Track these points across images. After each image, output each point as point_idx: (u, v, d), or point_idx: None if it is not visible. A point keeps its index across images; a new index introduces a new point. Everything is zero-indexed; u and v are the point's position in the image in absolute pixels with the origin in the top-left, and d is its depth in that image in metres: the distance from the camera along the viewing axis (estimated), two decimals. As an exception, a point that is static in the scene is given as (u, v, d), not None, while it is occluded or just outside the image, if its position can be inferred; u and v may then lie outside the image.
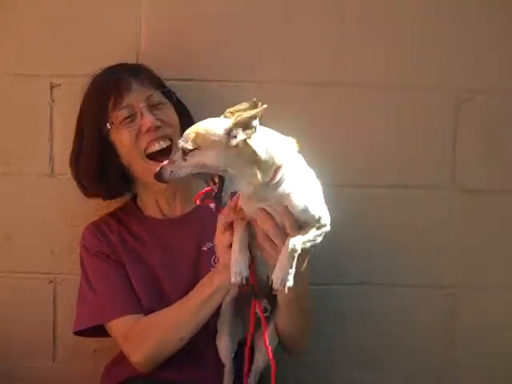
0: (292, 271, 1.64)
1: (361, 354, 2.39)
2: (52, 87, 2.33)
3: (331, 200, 2.27)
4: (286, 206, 1.65)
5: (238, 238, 1.72)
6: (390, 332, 2.39)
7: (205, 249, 2.09)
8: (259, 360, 1.92)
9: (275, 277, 1.64)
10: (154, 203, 2.17)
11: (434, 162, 2.36)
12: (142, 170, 2.05)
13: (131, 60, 2.26)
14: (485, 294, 2.39)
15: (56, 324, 2.37)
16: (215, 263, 2.04)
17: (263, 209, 1.68)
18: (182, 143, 1.61)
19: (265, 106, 1.58)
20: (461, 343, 2.41)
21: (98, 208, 2.32)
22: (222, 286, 1.85)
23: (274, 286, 1.64)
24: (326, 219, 1.72)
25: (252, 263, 1.75)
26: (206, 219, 2.08)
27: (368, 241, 2.35)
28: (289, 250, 1.64)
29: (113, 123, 2.02)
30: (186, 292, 1.99)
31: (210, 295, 1.87)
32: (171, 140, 2.04)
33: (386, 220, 2.37)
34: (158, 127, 2.01)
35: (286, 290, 1.64)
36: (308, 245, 1.68)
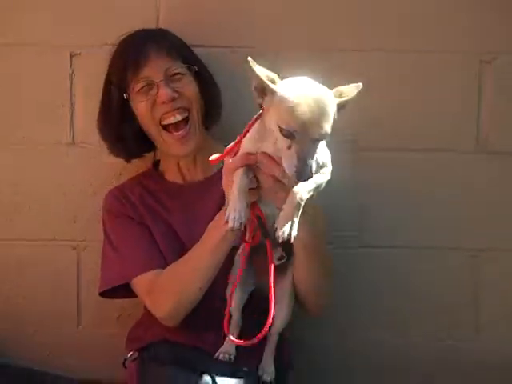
0: (296, 220, 1.62)
1: (386, 316, 2.40)
2: (72, 56, 2.33)
3: (355, 163, 2.32)
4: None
5: (237, 183, 1.69)
6: (414, 293, 2.39)
7: None
8: (278, 319, 1.87)
9: (279, 226, 1.61)
10: (176, 168, 2.17)
11: (458, 125, 2.34)
12: (159, 138, 2.07)
13: (151, 27, 2.22)
14: (510, 256, 2.39)
15: (80, 290, 2.39)
16: None
17: (266, 153, 1.66)
18: (321, 132, 1.53)
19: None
20: (484, 305, 2.41)
21: (118, 177, 2.34)
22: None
23: (277, 235, 1.61)
24: (329, 166, 1.71)
25: (255, 207, 1.74)
26: None
27: (392, 204, 2.34)
28: (295, 199, 1.61)
29: (130, 94, 2.04)
30: None
31: (221, 238, 1.85)
32: (189, 111, 2.05)
33: (412, 184, 2.35)
34: (173, 99, 2.01)
35: (292, 239, 1.61)
36: (312, 192, 1.65)
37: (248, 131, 1.72)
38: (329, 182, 1.71)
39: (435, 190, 2.36)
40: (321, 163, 1.68)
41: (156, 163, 2.27)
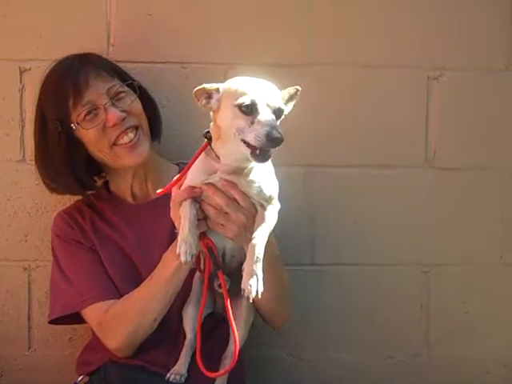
0: (261, 275, 1.64)
1: (339, 333, 2.40)
2: (22, 72, 2.29)
3: (305, 180, 2.33)
4: (232, 181, 1.68)
5: (185, 216, 1.70)
6: (366, 310, 2.39)
7: (177, 231, 2.08)
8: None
9: (246, 287, 1.62)
10: (128, 188, 2.14)
11: (406, 141, 2.37)
12: (112, 157, 2.03)
13: (101, 42, 2.23)
14: (459, 270, 2.41)
15: (31, 311, 2.34)
16: None
17: (210, 183, 1.69)
18: (278, 104, 1.61)
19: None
20: (433, 321, 2.42)
21: (71, 195, 2.28)
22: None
23: (246, 295, 1.62)
24: (276, 197, 1.73)
25: (206, 238, 1.76)
26: None
27: (342, 221, 2.36)
28: (254, 255, 1.63)
29: (77, 123, 1.98)
30: None
31: (174, 270, 1.85)
32: (137, 128, 2.02)
33: (360, 200, 2.37)
34: (123, 119, 1.98)
35: (260, 296, 1.63)
36: (268, 235, 1.68)
37: (193, 163, 1.73)
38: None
39: (383, 206, 2.38)
40: (268, 195, 1.71)
41: (106, 183, 2.23)
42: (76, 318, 2.05)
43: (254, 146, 1.56)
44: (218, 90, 1.64)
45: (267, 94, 1.59)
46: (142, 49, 2.22)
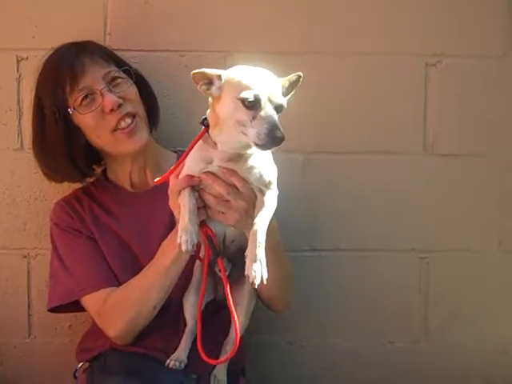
0: (264, 262, 1.63)
1: (338, 320, 2.41)
2: (19, 61, 2.28)
3: (303, 167, 2.33)
4: (232, 169, 1.68)
5: (185, 205, 1.71)
6: (365, 296, 2.40)
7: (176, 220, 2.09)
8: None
9: (250, 273, 1.61)
10: (126, 175, 2.14)
11: (405, 128, 2.36)
12: (111, 143, 2.03)
13: (98, 31, 2.23)
14: (458, 257, 2.42)
15: (31, 299, 2.35)
16: None
17: (209, 172, 1.69)
18: (280, 100, 1.59)
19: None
20: (434, 306, 2.43)
21: (69, 182, 2.27)
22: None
23: (250, 280, 1.61)
24: (275, 182, 1.73)
25: (205, 226, 1.76)
26: None
27: (340, 207, 2.36)
28: (256, 241, 1.63)
29: (74, 108, 1.98)
30: None
31: (174, 259, 1.86)
32: (134, 116, 2.02)
33: (358, 186, 2.37)
34: (120, 105, 1.98)
35: (265, 282, 1.63)
36: (269, 220, 1.68)
37: (190, 150, 1.73)
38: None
39: (382, 192, 2.38)
40: (267, 181, 1.71)
41: (105, 171, 2.23)
42: (75, 306, 2.05)
43: (254, 142, 1.56)
44: (219, 77, 1.61)
45: (270, 89, 1.57)
46: (140, 37, 2.21)
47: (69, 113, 1.99)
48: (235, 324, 1.76)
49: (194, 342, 1.89)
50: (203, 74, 1.61)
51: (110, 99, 1.97)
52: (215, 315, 1.97)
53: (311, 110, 2.29)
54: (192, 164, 1.72)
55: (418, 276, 2.42)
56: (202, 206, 1.75)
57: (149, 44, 2.25)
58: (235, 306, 1.76)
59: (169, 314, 1.97)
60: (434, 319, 2.44)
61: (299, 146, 2.32)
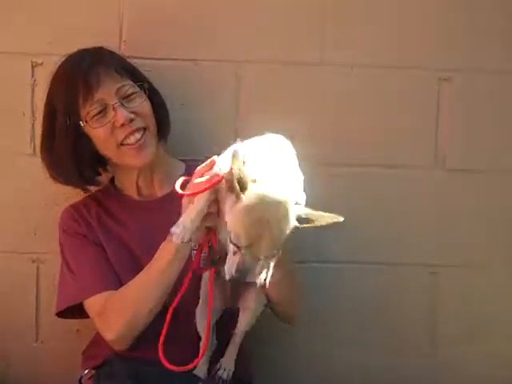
0: (272, 266, 1.62)
1: (343, 332, 2.40)
2: (33, 66, 2.30)
3: (315, 179, 2.33)
4: None
5: (197, 207, 1.71)
6: (374, 309, 2.40)
7: None
8: (242, 322, 1.94)
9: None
10: (133, 184, 2.15)
11: (417, 142, 2.37)
12: (118, 156, 2.04)
13: (114, 38, 2.24)
14: (469, 272, 2.41)
15: (39, 304, 2.36)
16: (195, 245, 1.96)
17: None
18: (263, 254, 1.56)
19: None
20: (443, 320, 2.43)
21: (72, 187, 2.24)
22: (180, 247, 1.84)
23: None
24: (302, 198, 1.72)
25: (211, 232, 1.77)
26: None
27: (351, 220, 2.35)
28: None
29: (86, 121, 1.99)
30: None
31: (171, 257, 1.86)
32: (144, 130, 2.02)
33: (370, 200, 2.37)
34: (131, 120, 1.99)
35: (267, 285, 1.62)
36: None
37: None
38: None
39: (394, 205, 2.38)
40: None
41: (112, 179, 2.24)
42: (83, 313, 2.06)
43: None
44: (238, 198, 1.56)
45: (259, 244, 1.54)
46: (154, 45, 2.23)
47: (80, 124, 2.00)
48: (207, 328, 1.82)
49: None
50: (232, 180, 1.57)
51: (122, 114, 1.97)
52: (230, 322, 1.98)
53: (322, 123, 2.31)
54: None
55: (428, 290, 2.41)
56: (213, 212, 1.73)
57: (163, 52, 2.26)
58: (243, 310, 1.81)
59: (176, 323, 1.96)
60: (442, 334, 2.43)
61: (309, 158, 2.32)
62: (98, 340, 2.09)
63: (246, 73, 2.16)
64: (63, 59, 2.08)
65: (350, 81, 2.34)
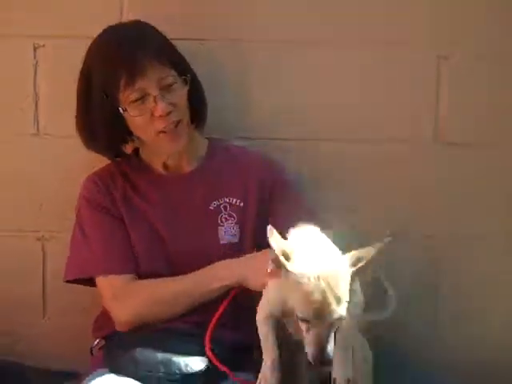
0: (351, 361, 1.65)
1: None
2: (35, 48, 2.32)
3: (312, 154, 2.37)
4: None
5: (269, 354, 1.72)
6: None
7: (211, 208, 2.10)
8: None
9: (338, 376, 1.63)
10: (161, 159, 2.14)
11: (417, 117, 2.39)
12: (152, 141, 2.05)
13: (115, 18, 2.24)
14: (466, 243, 2.43)
15: (45, 280, 2.39)
16: (221, 222, 2.08)
17: None
18: (333, 318, 1.55)
19: None
20: (442, 294, 2.45)
21: (84, 167, 2.26)
22: (231, 283, 1.92)
23: (339, 382, 1.63)
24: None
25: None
26: (213, 177, 2.14)
27: (350, 194, 2.40)
28: (344, 344, 1.64)
29: (125, 108, 1.97)
30: (189, 253, 2.02)
31: (219, 289, 1.93)
32: (179, 121, 2.02)
33: (370, 174, 2.39)
34: (170, 112, 1.98)
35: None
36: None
37: None
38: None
39: (394, 180, 2.40)
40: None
41: (137, 150, 2.21)
42: (92, 282, 2.08)
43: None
44: (287, 271, 1.58)
45: (326, 306, 1.53)
46: (158, 24, 2.23)
47: (118, 109, 1.98)
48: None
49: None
50: (277, 256, 1.59)
51: (162, 106, 1.95)
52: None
53: (323, 99, 2.34)
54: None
55: (428, 265, 2.43)
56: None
57: (168, 32, 2.22)
58: None
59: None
60: (444, 311, 2.45)
61: (311, 134, 2.38)
62: (107, 312, 2.09)
63: (253, 52, 2.21)
64: (102, 31, 2.05)
65: (348, 57, 2.36)
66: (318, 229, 1.75)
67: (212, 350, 1.86)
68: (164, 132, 2.00)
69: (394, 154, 2.40)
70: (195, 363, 1.87)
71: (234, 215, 2.10)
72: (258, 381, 1.72)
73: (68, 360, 2.24)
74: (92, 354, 2.06)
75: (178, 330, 1.95)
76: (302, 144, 2.37)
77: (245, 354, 1.94)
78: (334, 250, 1.67)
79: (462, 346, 2.43)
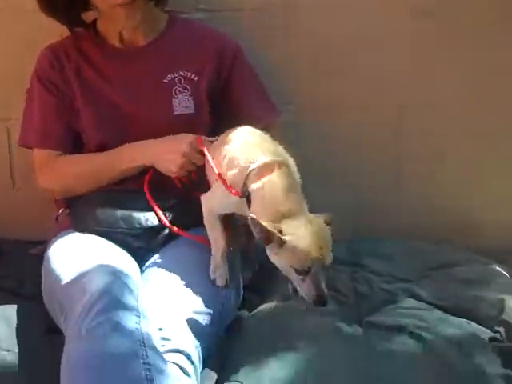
0: None
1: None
2: None
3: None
4: None
5: (217, 242, 1.86)
6: (340, 151, 2.48)
7: (165, 81, 2.12)
8: None
9: None
10: (117, 32, 2.13)
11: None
12: (109, 13, 2.02)
13: None
14: (433, 109, 2.46)
15: (12, 154, 2.45)
16: (176, 94, 2.10)
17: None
18: (327, 263, 1.66)
19: None
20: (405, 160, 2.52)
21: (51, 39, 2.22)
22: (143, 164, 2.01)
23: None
24: None
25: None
26: (168, 51, 2.13)
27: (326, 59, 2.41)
28: None
29: None
30: (144, 125, 2.06)
31: (130, 168, 2.03)
32: None
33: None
34: None
35: None
36: None
37: None
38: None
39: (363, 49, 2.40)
40: None
41: (94, 23, 2.19)
42: None
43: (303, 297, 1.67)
44: (283, 242, 1.64)
45: (324, 253, 1.65)
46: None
47: None
48: None
49: None
50: (270, 233, 1.64)
51: None
52: None
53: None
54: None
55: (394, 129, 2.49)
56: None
57: None
58: None
59: None
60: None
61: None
62: None
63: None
64: None
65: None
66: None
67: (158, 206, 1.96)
68: (120, 5, 1.97)
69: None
70: (155, 218, 1.96)
71: (188, 88, 2.12)
72: (212, 269, 1.86)
73: (36, 231, 2.28)
74: (57, 221, 2.12)
75: (138, 190, 2.01)
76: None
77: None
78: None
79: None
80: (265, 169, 1.74)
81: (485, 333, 1.83)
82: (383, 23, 2.38)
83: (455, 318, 1.90)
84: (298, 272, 1.66)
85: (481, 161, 2.53)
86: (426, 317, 1.88)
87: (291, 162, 1.81)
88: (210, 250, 1.89)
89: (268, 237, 1.64)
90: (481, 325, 1.88)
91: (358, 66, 2.42)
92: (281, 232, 1.64)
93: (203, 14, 2.34)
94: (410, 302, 1.98)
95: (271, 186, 1.71)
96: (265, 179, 1.73)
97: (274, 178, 1.72)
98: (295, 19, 2.38)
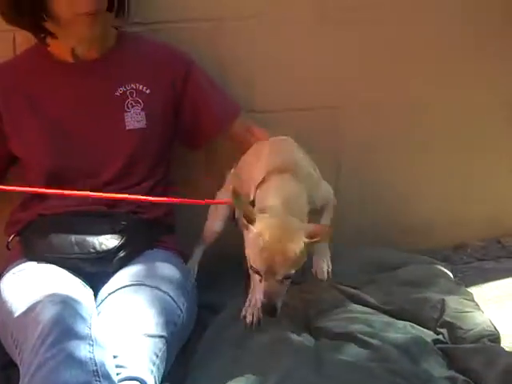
0: (329, 256, 2.02)
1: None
2: None
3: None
4: None
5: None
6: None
7: (117, 94, 2.12)
8: None
9: (318, 270, 2.01)
10: (68, 49, 2.11)
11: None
12: (70, 22, 1.99)
13: None
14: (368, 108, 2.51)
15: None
16: (128, 108, 2.11)
17: None
18: (283, 273, 1.69)
19: None
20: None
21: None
22: None
23: (319, 277, 1.99)
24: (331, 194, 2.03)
25: None
26: (120, 64, 2.15)
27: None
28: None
29: None
30: (95, 142, 2.06)
31: None
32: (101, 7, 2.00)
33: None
34: None
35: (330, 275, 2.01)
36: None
37: None
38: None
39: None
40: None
41: (45, 39, 2.12)
42: None
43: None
44: (250, 229, 1.73)
45: (277, 264, 1.68)
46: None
47: None
48: None
49: None
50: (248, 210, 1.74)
51: None
52: None
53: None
54: None
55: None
56: None
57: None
58: None
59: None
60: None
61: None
62: (20, 206, 2.15)
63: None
64: None
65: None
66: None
67: None
68: (85, 14, 1.97)
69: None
70: (109, 241, 1.97)
71: (141, 101, 2.13)
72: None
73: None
74: (8, 248, 2.10)
75: (90, 212, 2.03)
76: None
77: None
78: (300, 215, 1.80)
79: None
80: (267, 176, 1.83)
81: (429, 335, 1.91)
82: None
83: (401, 322, 1.97)
84: (253, 270, 1.73)
85: (421, 161, 2.61)
86: (372, 322, 1.95)
87: (302, 168, 1.89)
88: (167, 267, 1.99)
89: (246, 216, 1.72)
90: (425, 327, 1.95)
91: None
92: (252, 220, 1.71)
93: (140, 28, 2.32)
94: (357, 307, 2.05)
95: (265, 189, 1.82)
96: (264, 185, 1.82)
97: (271, 183, 1.81)
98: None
